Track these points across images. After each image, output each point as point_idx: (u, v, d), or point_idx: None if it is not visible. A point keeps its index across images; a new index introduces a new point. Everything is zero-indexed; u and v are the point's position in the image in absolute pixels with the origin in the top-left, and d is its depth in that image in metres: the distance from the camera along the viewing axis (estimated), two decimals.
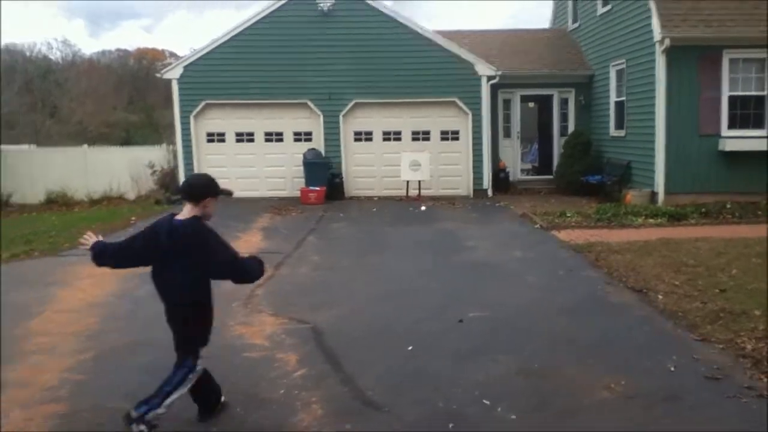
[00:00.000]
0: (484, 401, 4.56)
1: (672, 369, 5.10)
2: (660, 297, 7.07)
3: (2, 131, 24.86)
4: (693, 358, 5.35)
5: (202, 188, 4.15)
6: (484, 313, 6.64)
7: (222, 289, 7.81)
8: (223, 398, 4.49)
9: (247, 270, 4.14)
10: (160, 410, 3.97)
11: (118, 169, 18.54)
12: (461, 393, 4.70)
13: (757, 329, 5.92)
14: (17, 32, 69.16)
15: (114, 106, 38.93)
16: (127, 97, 42.05)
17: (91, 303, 7.36)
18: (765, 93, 13.44)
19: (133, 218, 13.77)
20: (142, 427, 3.88)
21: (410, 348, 5.65)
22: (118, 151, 20.26)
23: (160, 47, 57.06)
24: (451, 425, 4.23)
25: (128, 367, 5.34)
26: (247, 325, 6.39)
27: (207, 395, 4.38)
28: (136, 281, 8.24)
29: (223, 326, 6.37)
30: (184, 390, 4.11)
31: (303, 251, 10.11)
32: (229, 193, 4.40)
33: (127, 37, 71.74)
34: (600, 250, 9.53)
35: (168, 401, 4.00)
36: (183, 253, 4.00)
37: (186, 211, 4.09)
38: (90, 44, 73.56)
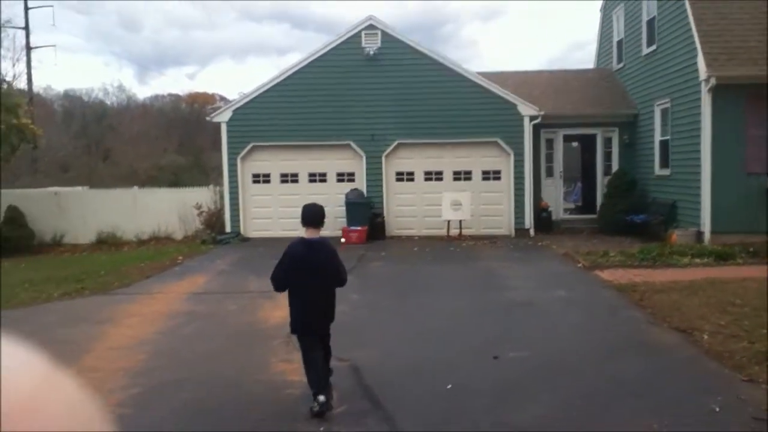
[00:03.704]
0: None
1: (717, 410, 4.99)
2: (705, 337, 6.93)
3: (57, 174, 25.88)
4: (739, 398, 5.23)
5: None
6: (525, 353, 6.61)
7: (262, 327, 8.01)
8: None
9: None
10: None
11: (166, 210, 19.03)
12: None
13: None
14: (75, 79, 72.54)
15: (165, 149, 40.18)
16: (177, 140, 43.38)
17: (140, 341, 7.57)
18: None
19: (180, 257, 14.13)
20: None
21: (449, 387, 5.67)
22: (166, 192, 20.84)
23: (210, 91, 58.83)
24: None
25: (174, 403, 5.48)
26: (288, 362, 6.48)
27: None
28: (181, 319, 8.49)
29: (265, 364, 6.50)
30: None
31: (343, 290, 10.19)
32: None
33: (175, 83, 74.44)
34: (644, 290, 9.38)
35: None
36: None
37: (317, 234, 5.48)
38: (143, 90, 76.51)
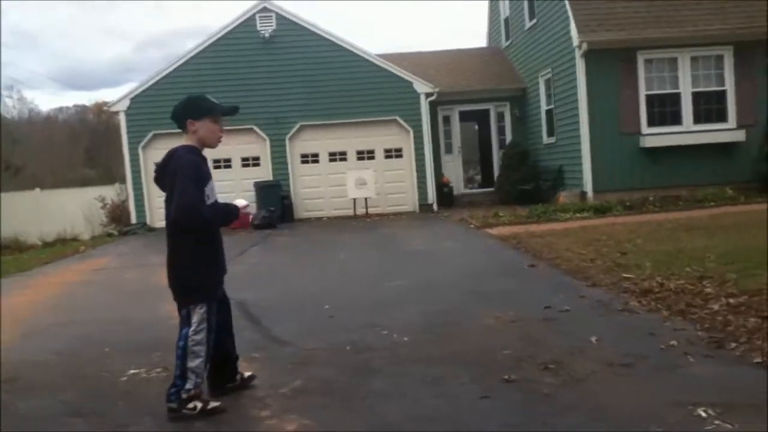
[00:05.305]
0: (383, 332, 5.05)
1: (554, 303, 5.63)
2: (565, 262, 7.66)
3: None
4: (580, 296, 5.92)
5: (181, 109, 3.64)
6: (404, 282, 7.15)
7: (157, 287, 8.24)
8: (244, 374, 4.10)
9: (206, 219, 3.60)
10: (189, 384, 3.56)
11: (71, 211, 18.63)
12: (363, 330, 5.19)
13: (644, 274, 6.52)
14: None
15: (72, 161, 38.84)
16: (85, 152, 41.91)
17: (31, 301, 7.68)
18: (680, 90, 14.39)
19: (83, 247, 14.03)
20: (189, 406, 3.55)
21: (327, 307, 6.13)
22: (71, 192, 20.43)
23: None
24: (348, 347, 4.71)
25: (61, 339, 5.70)
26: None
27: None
28: (78, 286, 8.64)
29: (154, 308, 6.76)
30: (199, 353, 3.67)
31: (243, 257, 10.53)
32: (231, 111, 3.81)
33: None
34: (522, 237, 10.15)
35: (190, 373, 3.60)
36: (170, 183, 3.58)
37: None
38: (46, 101, 73.58)
